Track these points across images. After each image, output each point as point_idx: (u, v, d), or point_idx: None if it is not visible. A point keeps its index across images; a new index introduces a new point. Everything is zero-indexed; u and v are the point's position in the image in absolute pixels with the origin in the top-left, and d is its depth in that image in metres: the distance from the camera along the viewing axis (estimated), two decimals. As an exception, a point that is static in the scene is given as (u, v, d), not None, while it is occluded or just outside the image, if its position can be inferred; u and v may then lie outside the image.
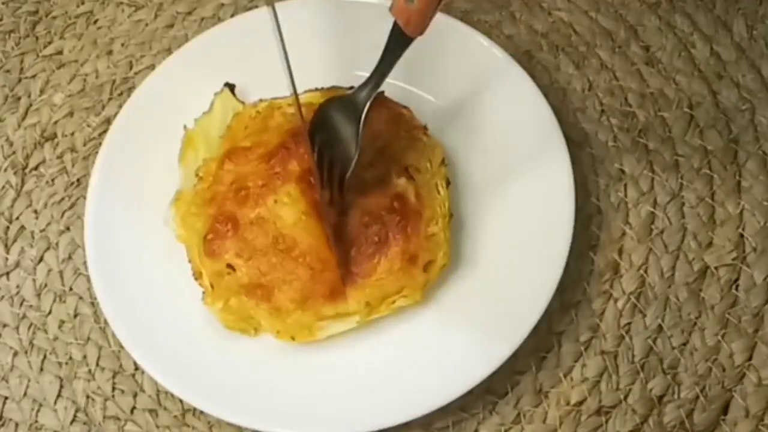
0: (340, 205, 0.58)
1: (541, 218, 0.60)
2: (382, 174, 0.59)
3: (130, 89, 0.71)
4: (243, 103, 0.65)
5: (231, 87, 0.65)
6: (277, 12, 0.50)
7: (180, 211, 0.60)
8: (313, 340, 0.57)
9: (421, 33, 0.50)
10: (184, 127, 0.64)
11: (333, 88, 0.64)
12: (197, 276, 0.59)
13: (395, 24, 0.50)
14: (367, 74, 0.56)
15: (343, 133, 0.55)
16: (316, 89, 0.64)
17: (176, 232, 0.60)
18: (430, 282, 0.58)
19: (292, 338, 0.57)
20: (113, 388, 0.60)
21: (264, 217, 0.58)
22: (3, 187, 0.68)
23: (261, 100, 0.64)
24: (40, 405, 0.60)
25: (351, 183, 0.57)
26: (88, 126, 0.70)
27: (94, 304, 0.62)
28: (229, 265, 0.58)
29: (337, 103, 0.56)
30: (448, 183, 0.61)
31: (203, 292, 0.58)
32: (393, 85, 0.64)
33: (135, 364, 0.59)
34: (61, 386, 0.60)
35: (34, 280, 0.64)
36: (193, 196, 0.61)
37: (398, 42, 0.51)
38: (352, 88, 0.63)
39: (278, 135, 0.60)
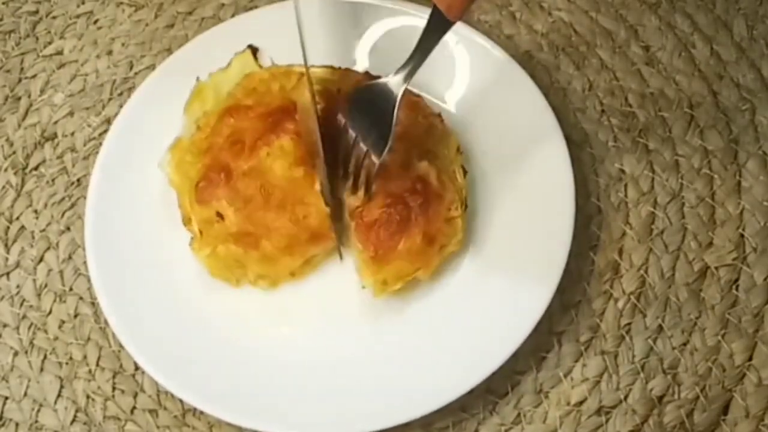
0: (367, 190, 0.58)
1: (541, 218, 0.60)
2: (403, 158, 0.59)
3: (130, 89, 0.71)
4: (261, 67, 0.66)
5: (254, 50, 0.66)
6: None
7: (175, 158, 0.62)
8: (304, 277, 0.60)
9: (461, 17, 0.51)
10: (197, 78, 0.65)
11: (347, 70, 0.65)
12: (186, 222, 0.60)
13: (434, 9, 0.51)
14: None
15: (375, 120, 0.55)
16: (331, 66, 0.65)
17: (170, 176, 0.61)
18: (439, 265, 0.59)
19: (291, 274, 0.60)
20: (113, 388, 0.60)
21: (256, 169, 0.59)
22: (3, 187, 0.68)
23: (275, 65, 0.65)
24: (41, 405, 0.60)
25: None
26: (88, 126, 0.70)
27: (94, 304, 0.62)
28: (219, 213, 0.59)
29: (370, 89, 0.56)
30: (465, 172, 0.61)
31: (191, 238, 0.59)
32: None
33: (135, 364, 0.59)
34: (62, 386, 0.60)
35: (34, 280, 0.64)
36: (190, 145, 0.62)
37: (438, 27, 0.51)
38: (368, 73, 0.64)
39: (280, 99, 0.62)
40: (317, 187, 0.59)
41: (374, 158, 0.56)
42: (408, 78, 0.54)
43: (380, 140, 0.55)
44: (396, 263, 0.57)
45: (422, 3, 0.69)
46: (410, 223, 0.58)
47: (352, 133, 0.57)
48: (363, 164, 0.57)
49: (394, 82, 0.54)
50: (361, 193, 0.59)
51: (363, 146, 0.56)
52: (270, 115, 0.61)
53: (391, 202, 0.58)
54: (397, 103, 0.54)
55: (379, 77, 0.59)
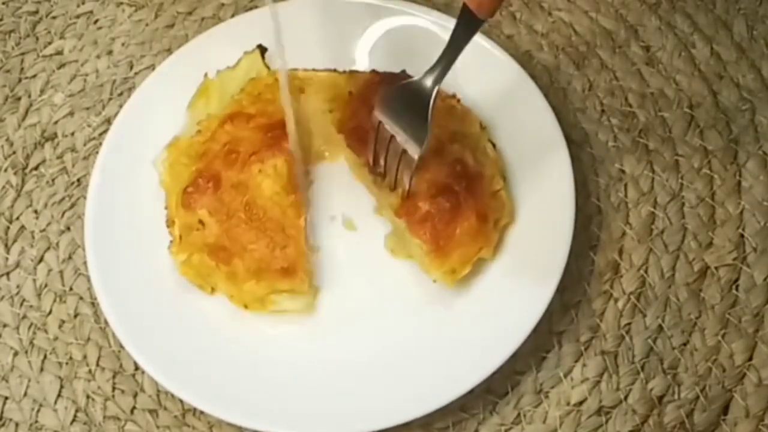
0: (406, 188, 0.58)
1: (541, 218, 0.60)
2: (435, 146, 0.59)
3: (130, 89, 0.71)
4: (269, 68, 0.65)
5: (263, 50, 0.66)
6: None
7: (171, 158, 0.61)
8: (265, 311, 0.58)
9: (492, 15, 0.51)
10: (205, 75, 0.65)
11: (352, 72, 0.65)
12: (169, 224, 0.60)
13: (464, 7, 0.51)
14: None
15: (409, 118, 0.55)
16: (334, 70, 0.65)
17: (161, 176, 0.61)
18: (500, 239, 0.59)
19: (245, 306, 0.58)
20: (113, 388, 0.60)
21: (245, 184, 0.59)
22: (3, 187, 0.68)
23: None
24: (41, 405, 0.60)
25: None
26: (88, 126, 0.70)
27: (94, 304, 0.62)
28: (201, 221, 0.59)
29: (403, 89, 0.56)
30: (493, 145, 0.62)
31: (170, 241, 0.59)
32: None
33: (135, 364, 0.59)
34: (62, 386, 0.60)
35: (34, 280, 0.64)
36: (187, 147, 0.62)
37: (468, 25, 0.51)
38: (373, 70, 0.64)
39: (283, 110, 0.61)
40: (302, 222, 0.58)
41: (413, 154, 0.55)
42: (440, 79, 0.54)
43: (416, 136, 0.55)
44: (459, 250, 0.57)
45: (422, 3, 0.69)
46: (461, 206, 0.58)
47: (387, 132, 0.56)
48: (400, 161, 0.57)
49: (427, 83, 0.54)
50: (400, 190, 0.58)
51: (399, 143, 0.56)
52: (270, 129, 0.60)
53: (436, 192, 0.58)
54: (432, 99, 0.54)
55: (410, 76, 0.59)
